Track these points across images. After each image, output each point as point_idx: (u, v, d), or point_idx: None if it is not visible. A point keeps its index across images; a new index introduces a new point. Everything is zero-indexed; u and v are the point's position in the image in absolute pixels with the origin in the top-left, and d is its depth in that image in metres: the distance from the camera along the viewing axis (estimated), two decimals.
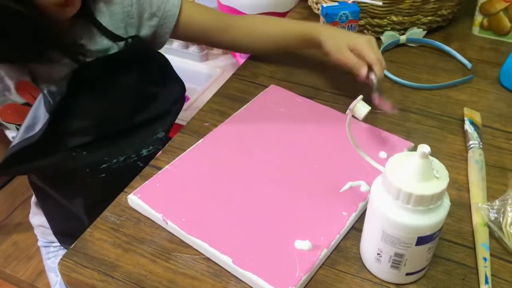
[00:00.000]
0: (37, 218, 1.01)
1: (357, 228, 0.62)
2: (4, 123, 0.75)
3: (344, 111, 0.80)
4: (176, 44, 1.78)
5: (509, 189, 0.65)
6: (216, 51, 1.80)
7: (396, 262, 0.53)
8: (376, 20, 0.98)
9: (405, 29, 0.99)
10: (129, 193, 0.66)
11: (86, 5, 0.72)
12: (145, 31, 0.82)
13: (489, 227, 0.61)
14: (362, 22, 0.99)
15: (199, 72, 1.69)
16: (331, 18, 0.92)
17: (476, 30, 1.03)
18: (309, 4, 1.11)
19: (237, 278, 0.57)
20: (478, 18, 1.01)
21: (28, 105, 0.72)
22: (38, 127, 0.70)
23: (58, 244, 1.02)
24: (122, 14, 0.79)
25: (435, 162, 0.51)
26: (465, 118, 0.78)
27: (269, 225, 0.61)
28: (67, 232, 0.95)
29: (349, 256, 0.60)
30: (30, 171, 0.82)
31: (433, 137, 0.77)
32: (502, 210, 0.62)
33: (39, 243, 1.06)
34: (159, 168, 0.70)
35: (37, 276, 1.32)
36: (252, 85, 0.90)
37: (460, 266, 0.58)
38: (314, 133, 0.75)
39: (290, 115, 0.79)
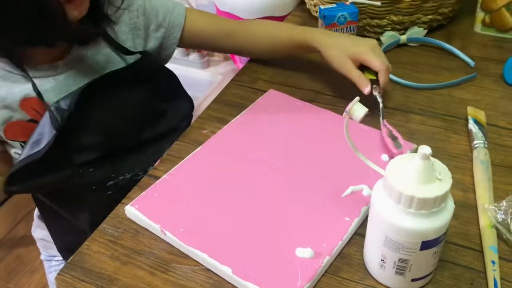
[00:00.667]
0: (39, 232, 1.00)
1: (360, 233, 0.61)
2: (9, 141, 0.74)
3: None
4: (176, 52, 1.78)
5: None
6: (217, 57, 1.80)
7: (401, 268, 0.52)
8: (376, 20, 0.97)
9: (406, 29, 0.98)
10: (127, 204, 0.65)
11: (95, 14, 0.72)
12: (152, 43, 0.82)
13: (496, 229, 0.59)
14: (361, 23, 0.98)
15: (200, 80, 1.68)
16: (329, 20, 0.90)
17: (478, 28, 1.01)
18: (307, 7, 1.10)
19: None
20: (480, 15, 1.00)
21: (33, 121, 0.72)
22: (43, 143, 0.69)
23: (61, 258, 1.01)
24: (129, 25, 0.78)
25: (437, 163, 0.49)
26: (469, 117, 0.76)
27: (269, 233, 0.59)
28: (71, 247, 0.94)
29: (352, 263, 0.58)
30: (35, 188, 0.81)
31: (437, 138, 0.75)
32: (510, 211, 0.60)
33: (42, 257, 1.05)
34: (157, 178, 0.69)
35: None
36: (251, 90, 0.88)
37: (468, 270, 0.56)
38: (314, 137, 0.74)
39: (290, 120, 0.78)
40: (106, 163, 0.77)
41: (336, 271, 0.57)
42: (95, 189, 0.69)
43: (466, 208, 0.64)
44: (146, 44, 0.81)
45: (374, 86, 0.75)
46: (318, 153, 0.71)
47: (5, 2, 0.60)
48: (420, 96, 0.84)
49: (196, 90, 1.48)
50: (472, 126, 0.74)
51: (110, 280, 0.58)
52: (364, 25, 0.98)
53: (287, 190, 0.65)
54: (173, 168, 0.69)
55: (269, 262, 0.56)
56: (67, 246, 0.95)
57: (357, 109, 0.51)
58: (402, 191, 0.47)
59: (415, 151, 0.70)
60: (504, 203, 0.61)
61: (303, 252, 0.56)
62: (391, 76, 0.88)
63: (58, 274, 0.59)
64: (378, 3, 0.93)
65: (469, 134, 0.75)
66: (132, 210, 0.63)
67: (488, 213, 0.61)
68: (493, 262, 0.55)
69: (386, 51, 0.96)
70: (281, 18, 1.15)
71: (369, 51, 0.76)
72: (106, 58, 0.76)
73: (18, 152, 0.74)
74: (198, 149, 0.73)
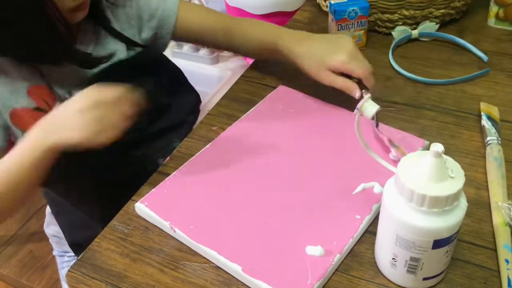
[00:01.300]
0: (52, 228, 1.01)
1: (371, 231, 0.60)
2: (16, 130, 0.74)
3: (355, 109, 0.78)
4: (186, 47, 1.78)
5: None
6: (226, 53, 1.79)
7: (412, 266, 0.51)
8: (387, 15, 0.96)
9: (417, 23, 0.96)
10: (137, 201, 0.65)
11: (96, 8, 0.72)
12: (146, 34, 0.82)
13: (510, 226, 0.58)
14: (372, 18, 0.97)
15: (209, 75, 1.68)
16: (339, 15, 0.89)
17: (491, 22, 0.99)
18: (317, 1, 1.09)
19: (247, 286, 0.55)
20: (494, 9, 0.98)
21: (39, 109, 0.71)
22: None
23: (73, 254, 1.01)
24: (124, 15, 0.78)
25: (450, 161, 0.48)
26: (482, 113, 0.75)
27: (279, 231, 0.59)
28: (82, 242, 0.95)
29: (363, 261, 0.57)
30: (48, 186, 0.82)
31: (449, 134, 0.74)
32: None
33: (54, 252, 1.06)
34: (167, 175, 0.69)
35: (53, 286, 1.32)
36: (261, 86, 0.88)
37: (481, 269, 0.56)
38: (325, 134, 0.73)
39: (300, 116, 0.77)
40: (114, 159, 0.76)
41: (347, 269, 0.57)
42: (105, 186, 0.69)
43: (479, 206, 0.63)
44: (140, 34, 0.81)
45: (364, 90, 0.69)
46: (328, 150, 0.70)
47: (9, 18, 0.61)
48: (432, 92, 0.83)
49: (205, 86, 1.48)
50: (485, 122, 0.73)
51: (120, 277, 0.58)
52: (375, 19, 0.97)
53: (297, 187, 0.65)
54: (183, 165, 0.69)
55: (279, 260, 0.56)
56: (78, 241, 0.95)
57: (369, 106, 0.50)
58: (414, 189, 0.46)
59: (427, 148, 0.69)
60: None
61: (314, 250, 0.56)
62: (403, 71, 0.87)
63: (69, 271, 0.59)
64: None
65: (482, 130, 0.74)
66: (142, 207, 0.63)
67: (502, 211, 0.60)
68: (507, 261, 0.55)
69: (398, 46, 0.95)
70: (291, 14, 1.14)
71: (348, 59, 0.71)
72: (110, 53, 0.76)
73: None
74: (207, 146, 0.72)
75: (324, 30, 0.99)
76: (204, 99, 1.41)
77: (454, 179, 0.46)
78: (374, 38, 0.98)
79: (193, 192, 0.65)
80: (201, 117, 0.83)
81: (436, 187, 0.46)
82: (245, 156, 0.70)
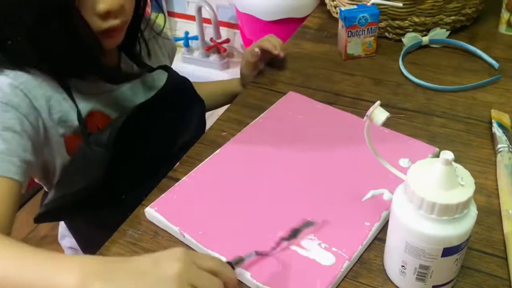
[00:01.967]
0: (67, 240, 0.98)
1: (380, 238, 0.60)
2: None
3: (364, 116, 0.78)
4: (196, 53, 1.79)
5: None
6: (236, 59, 1.80)
7: (422, 274, 0.51)
8: (397, 21, 0.96)
9: (428, 30, 0.96)
10: (147, 206, 0.65)
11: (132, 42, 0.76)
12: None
13: None
14: (382, 24, 0.97)
15: None
16: (350, 21, 0.90)
17: (502, 28, 0.99)
18: (328, 8, 1.10)
19: None
20: (505, 15, 0.98)
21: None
22: (80, 181, 0.70)
23: None
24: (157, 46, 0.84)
25: (460, 168, 0.48)
26: (493, 121, 0.75)
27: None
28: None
29: (372, 268, 0.57)
30: (66, 218, 0.84)
31: (459, 141, 0.74)
32: None
33: None
34: (176, 180, 0.69)
35: None
36: (270, 92, 0.88)
37: (491, 278, 0.55)
38: (334, 141, 0.73)
39: (309, 123, 0.77)
40: (136, 187, 0.76)
41: (356, 276, 0.56)
42: (127, 214, 0.69)
43: (489, 214, 0.62)
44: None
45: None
46: (338, 156, 0.70)
47: (43, 32, 0.61)
48: (442, 99, 0.83)
49: None
50: (496, 129, 0.73)
51: None
52: (385, 26, 0.97)
53: (307, 193, 0.65)
54: (193, 170, 0.70)
55: (288, 266, 0.56)
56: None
57: (378, 113, 0.50)
58: (423, 197, 0.46)
59: (437, 155, 0.69)
60: None
61: (323, 257, 0.56)
62: (413, 78, 0.87)
63: None
64: (400, 4, 0.91)
65: (492, 137, 0.73)
66: (151, 212, 0.64)
67: None
68: None
69: (408, 52, 0.95)
70: (301, 20, 1.15)
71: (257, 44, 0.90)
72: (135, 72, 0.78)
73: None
74: (217, 151, 0.73)
75: (334, 36, 1.00)
76: None
77: (464, 187, 0.46)
78: (384, 44, 0.98)
79: (202, 198, 0.65)
80: (210, 122, 0.83)
81: (446, 195, 0.46)
82: (254, 162, 0.70)
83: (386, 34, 0.99)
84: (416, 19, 0.95)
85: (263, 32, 1.27)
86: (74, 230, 0.88)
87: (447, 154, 0.45)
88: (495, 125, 0.74)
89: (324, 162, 0.69)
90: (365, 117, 0.52)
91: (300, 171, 0.68)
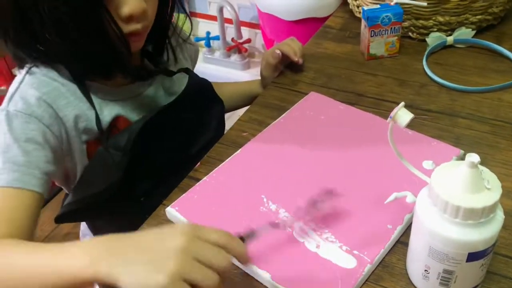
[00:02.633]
0: (89, 238, 1.00)
1: (403, 242, 0.59)
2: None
3: (387, 117, 0.77)
4: (217, 53, 1.79)
5: None
6: (257, 59, 1.80)
7: (445, 279, 0.50)
8: (421, 21, 0.94)
9: (453, 30, 0.94)
10: (167, 205, 0.65)
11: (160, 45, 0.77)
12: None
13: None
14: (406, 23, 0.95)
15: (240, 81, 1.68)
16: (373, 21, 0.89)
17: None
18: (350, 7, 1.09)
19: None
20: None
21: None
22: (100, 183, 0.71)
23: None
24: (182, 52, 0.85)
25: (486, 171, 0.47)
26: None
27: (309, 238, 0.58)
28: None
29: (394, 272, 0.56)
30: (85, 220, 0.86)
31: (485, 144, 0.72)
32: None
33: None
34: (197, 180, 0.69)
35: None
36: (292, 92, 0.88)
37: None
38: (356, 142, 0.72)
39: (331, 123, 0.76)
40: (155, 189, 0.76)
41: (378, 280, 0.56)
42: (146, 216, 0.70)
43: None
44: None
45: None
46: (360, 157, 0.69)
47: (73, 30, 0.61)
48: (467, 100, 0.81)
49: None
50: None
51: None
52: (408, 25, 0.96)
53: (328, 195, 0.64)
54: (213, 171, 0.70)
55: (310, 268, 0.55)
56: None
57: (402, 115, 0.50)
58: (448, 200, 0.45)
59: (462, 157, 0.68)
60: None
61: (345, 260, 0.55)
62: (437, 79, 0.85)
63: None
64: (424, 4, 0.90)
65: None
66: (172, 212, 0.64)
67: None
68: None
69: (432, 52, 0.93)
70: (323, 19, 1.14)
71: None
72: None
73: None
74: (238, 151, 0.73)
75: (357, 36, 0.99)
76: None
77: (491, 190, 0.45)
78: (407, 44, 0.97)
79: (223, 198, 0.65)
80: (231, 123, 0.83)
81: (471, 198, 0.45)
82: (275, 162, 0.70)
83: (410, 33, 0.97)
84: (441, 19, 0.93)
85: (285, 32, 1.26)
86: (94, 230, 0.89)
87: (473, 157, 0.44)
88: None
89: (346, 163, 0.69)
90: (389, 118, 0.51)
91: (321, 172, 0.68)
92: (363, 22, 0.92)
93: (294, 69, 0.93)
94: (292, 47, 0.90)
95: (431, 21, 0.94)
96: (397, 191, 0.63)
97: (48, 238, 1.47)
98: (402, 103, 0.50)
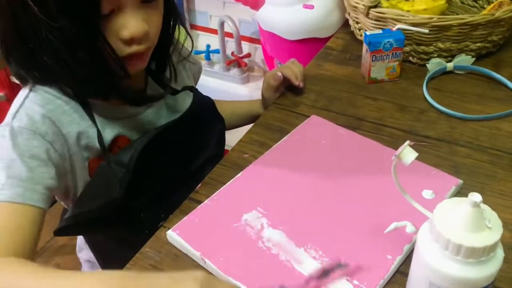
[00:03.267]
0: (85, 253, 0.97)
1: (402, 272, 0.60)
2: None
3: (388, 142, 0.78)
4: (217, 66, 1.80)
5: None
6: (256, 73, 1.81)
7: None
8: (422, 47, 0.95)
9: (453, 56, 0.96)
10: (168, 228, 0.66)
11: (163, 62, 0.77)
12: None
13: None
14: (407, 48, 0.96)
15: (240, 94, 1.69)
16: (375, 46, 0.90)
17: None
18: (352, 29, 1.10)
19: None
20: None
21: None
22: (99, 198, 0.71)
23: None
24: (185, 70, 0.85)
25: (488, 210, 0.47)
26: None
27: (308, 268, 0.59)
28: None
29: None
30: (84, 234, 0.85)
31: (483, 173, 0.73)
32: None
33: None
34: (198, 202, 0.70)
35: None
36: (293, 114, 0.88)
37: None
38: (357, 169, 0.73)
39: (332, 148, 0.77)
40: (155, 205, 0.77)
41: None
42: (147, 233, 0.70)
43: None
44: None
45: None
46: (360, 185, 0.70)
47: (69, 55, 0.62)
48: (466, 128, 0.82)
49: None
50: None
51: None
52: (409, 50, 0.97)
53: (328, 222, 0.65)
54: (215, 194, 0.70)
55: None
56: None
57: (408, 154, 0.50)
58: (449, 238, 0.46)
59: (461, 186, 0.69)
60: None
61: None
62: (436, 105, 0.86)
63: None
64: (426, 30, 0.91)
65: None
66: (173, 235, 0.64)
67: None
68: None
69: (432, 78, 0.94)
70: (324, 40, 1.15)
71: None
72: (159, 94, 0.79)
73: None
74: (239, 174, 0.73)
75: (358, 58, 1.00)
76: None
77: (492, 229, 0.46)
78: (408, 68, 0.98)
79: (224, 222, 0.65)
80: (230, 138, 0.83)
81: (472, 237, 0.45)
82: (275, 188, 0.70)
83: (410, 58, 0.99)
84: (441, 45, 0.94)
85: (285, 50, 1.27)
86: (92, 244, 0.89)
87: (475, 197, 0.45)
88: None
89: (346, 190, 0.69)
90: (394, 156, 0.52)
91: (322, 199, 0.68)
92: (365, 46, 0.93)
93: (295, 91, 0.94)
94: (294, 70, 0.91)
95: (432, 47, 0.95)
96: (396, 220, 0.63)
97: (44, 249, 1.47)
98: (407, 142, 0.51)
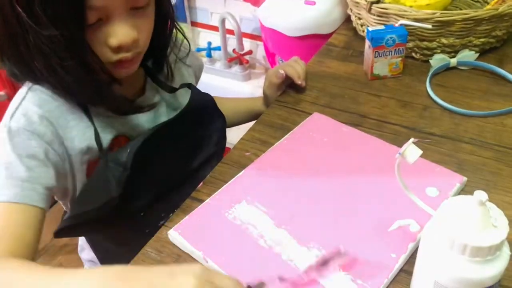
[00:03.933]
0: (87, 252, 0.97)
1: (406, 270, 0.59)
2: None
3: (391, 139, 0.77)
4: (218, 64, 1.79)
5: None
6: (258, 70, 1.80)
7: None
8: (425, 43, 0.94)
9: (456, 52, 0.94)
10: (170, 228, 0.65)
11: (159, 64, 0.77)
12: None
13: None
14: (410, 44, 0.95)
15: (241, 92, 1.68)
16: (377, 42, 0.89)
17: None
18: (354, 26, 1.09)
19: None
20: None
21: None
22: (99, 198, 0.70)
23: None
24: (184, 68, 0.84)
25: (494, 209, 0.47)
26: None
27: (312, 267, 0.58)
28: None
29: None
30: (84, 234, 0.85)
31: (488, 170, 0.72)
32: None
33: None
34: (199, 201, 0.69)
35: None
36: (295, 112, 0.87)
37: None
38: (360, 166, 0.72)
39: (334, 146, 0.76)
40: (155, 204, 0.76)
41: None
42: (148, 232, 0.69)
43: None
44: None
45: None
46: (363, 183, 0.69)
47: (56, 63, 0.62)
48: (470, 124, 0.81)
49: None
50: None
51: None
52: (412, 46, 0.96)
53: (331, 221, 0.64)
54: (216, 193, 0.69)
55: None
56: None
57: (412, 151, 0.50)
58: (454, 237, 0.45)
59: (465, 184, 0.68)
60: None
61: None
62: (440, 101, 0.85)
63: None
64: (429, 26, 0.90)
65: None
66: (175, 235, 0.63)
67: None
68: None
69: (435, 74, 0.93)
70: (326, 36, 1.14)
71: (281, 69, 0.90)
72: (149, 101, 0.78)
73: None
74: (241, 173, 0.72)
75: (360, 55, 0.99)
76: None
77: (498, 228, 0.45)
78: (410, 64, 0.97)
79: (226, 221, 0.65)
80: (236, 134, 0.82)
81: (478, 236, 0.44)
82: (278, 186, 0.70)
83: (413, 54, 0.98)
84: (445, 41, 0.93)
85: (287, 47, 1.26)
86: (93, 244, 0.89)
87: (481, 195, 0.44)
88: None
89: (350, 189, 0.69)
90: (397, 154, 0.51)
91: (324, 197, 0.67)
92: (367, 43, 0.92)
93: (297, 88, 0.93)
94: (297, 69, 0.90)
95: (435, 43, 0.94)
96: (400, 218, 0.62)
97: (45, 249, 1.47)
98: (412, 140, 0.50)
